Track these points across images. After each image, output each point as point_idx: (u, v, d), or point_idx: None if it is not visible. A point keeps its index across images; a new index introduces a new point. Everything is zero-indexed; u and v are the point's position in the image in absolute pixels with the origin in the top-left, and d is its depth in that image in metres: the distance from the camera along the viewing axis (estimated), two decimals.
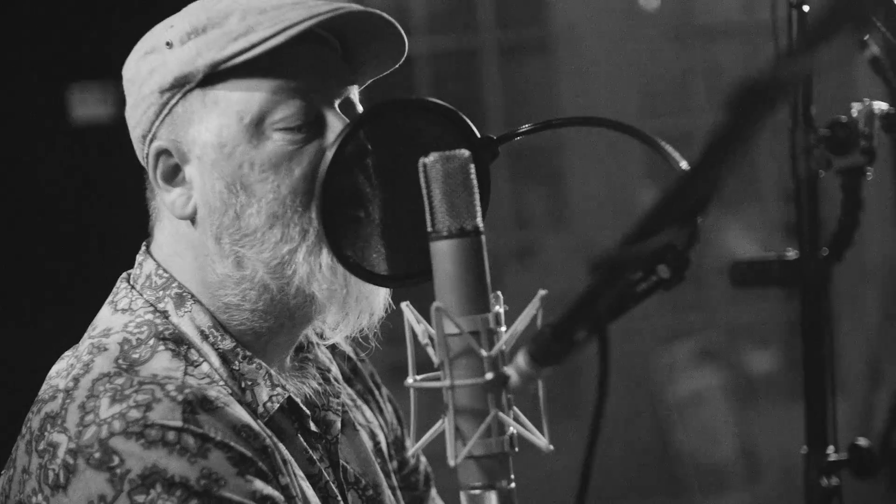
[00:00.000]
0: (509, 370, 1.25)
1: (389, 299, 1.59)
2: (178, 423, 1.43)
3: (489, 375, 1.28)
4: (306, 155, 1.53)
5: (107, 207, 3.70)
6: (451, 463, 1.30)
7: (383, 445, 1.75)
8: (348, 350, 1.78)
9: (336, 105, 1.56)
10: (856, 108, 1.88)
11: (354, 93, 1.59)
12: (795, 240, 2.01)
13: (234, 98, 1.53)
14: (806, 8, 1.94)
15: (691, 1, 4.88)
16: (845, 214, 2.02)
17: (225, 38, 1.53)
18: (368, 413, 1.76)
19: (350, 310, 1.56)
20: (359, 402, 1.76)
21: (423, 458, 1.86)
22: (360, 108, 1.58)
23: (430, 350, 1.35)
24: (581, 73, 4.62)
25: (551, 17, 4.67)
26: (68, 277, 3.61)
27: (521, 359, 1.23)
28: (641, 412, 4.48)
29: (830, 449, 1.82)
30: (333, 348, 1.76)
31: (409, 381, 1.36)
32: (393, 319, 1.62)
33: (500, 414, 1.32)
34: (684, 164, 1.34)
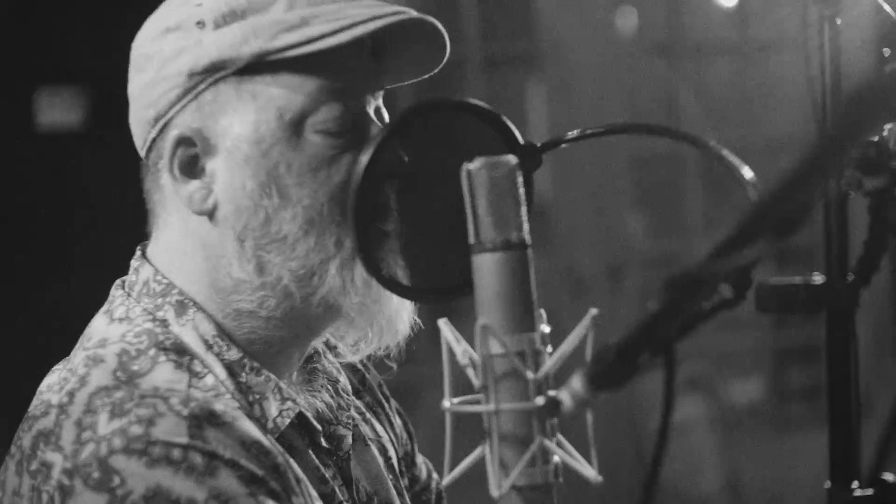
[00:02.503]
0: (562, 394, 1.20)
1: (415, 317, 1.54)
2: (184, 440, 1.37)
3: (540, 400, 1.22)
4: (345, 162, 1.47)
5: (74, 218, 3.64)
6: (495, 494, 1.25)
7: (394, 461, 1.70)
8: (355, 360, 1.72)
9: (372, 110, 1.51)
10: (887, 128, 1.85)
11: (381, 98, 1.55)
12: (814, 264, 1.99)
13: (275, 93, 1.47)
14: (839, 20, 1.92)
15: (680, 17, 4.87)
16: (872, 238, 1.99)
17: (276, 26, 1.46)
18: (378, 427, 1.71)
19: (376, 327, 1.52)
20: (368, 415, 1.70)
21: (434, 476, 1.81)
22: (386, 114, 1.53)
23: (469, 371, 1.30)
24: (567, 88, 4.60)
25: (537, 30, 4.65)
26: (35, 289, 3.54)
27: (576, 382, 1.17)
28: (624, 442, 4.45)
29: (855, 484, 1.78)
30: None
31: (446, 404, 1.30)
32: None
33: (546, 441, 1.27)
34: (749, 174, 1.29)
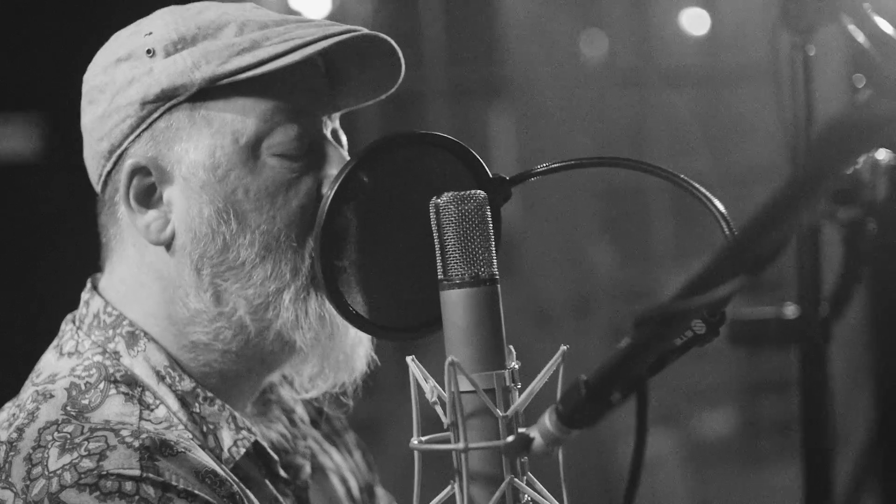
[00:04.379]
0: (532, 432, 1.20)
1: (373, 353, 1.54)
2: (136, 472, 1.36)
3: (510, 438, 1.22)
4: (304, 186, 1.47)
5: (27, 249, 3.62)
6: None
7: (355, 491, 1.69)
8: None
9: (329, 132, 1.51)
10: (861, 159, 1.86)
11: (337, 120, 1.55)
12: (785, 292, 2.00)
13: (229, 117, 1.47)
14: (812, 51, 1.94)
15: (648, 45, 4.90)
16: (846, 269, 2.00)
17: (227, 51, 1.47)
18: (337, 456, 1.70)
19: (331, 363, 1.51)
20: (326, 445, 1.70)
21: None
22: (343, 137, 1.54)
23: (438, 409, 1.30)
24: (532, 117, 4.61)
25: (503, 58, 4.66)
26: None
27: (547, 420, 1.18)
28: (591, 479, 4.45)
29: None
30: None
31: (415, 442, 1.30)
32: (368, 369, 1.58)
33: (516, 480, 1.27)
34: (721, 208, 1.30)
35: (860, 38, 1.76)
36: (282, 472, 1.54)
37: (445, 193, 1.31)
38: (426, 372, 1.32)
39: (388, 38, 1.49)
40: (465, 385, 1.27)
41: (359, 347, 1.52)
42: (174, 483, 1.37)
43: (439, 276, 1.32)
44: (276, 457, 1.54)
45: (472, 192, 1.32)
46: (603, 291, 4.71)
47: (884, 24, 1.75)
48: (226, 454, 1.48)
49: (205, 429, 1.49)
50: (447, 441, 1.29)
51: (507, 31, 4.67)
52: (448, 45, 4.64)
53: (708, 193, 1.31)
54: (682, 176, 1.35)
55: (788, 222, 0.94)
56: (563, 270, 4.62)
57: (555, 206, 4.56)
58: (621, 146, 4.81)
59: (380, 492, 1.77)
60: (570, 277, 4.62)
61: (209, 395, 1.50)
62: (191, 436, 1.46)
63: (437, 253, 1.32)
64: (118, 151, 1.50)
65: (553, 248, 4.61)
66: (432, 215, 1.32)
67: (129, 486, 1.36)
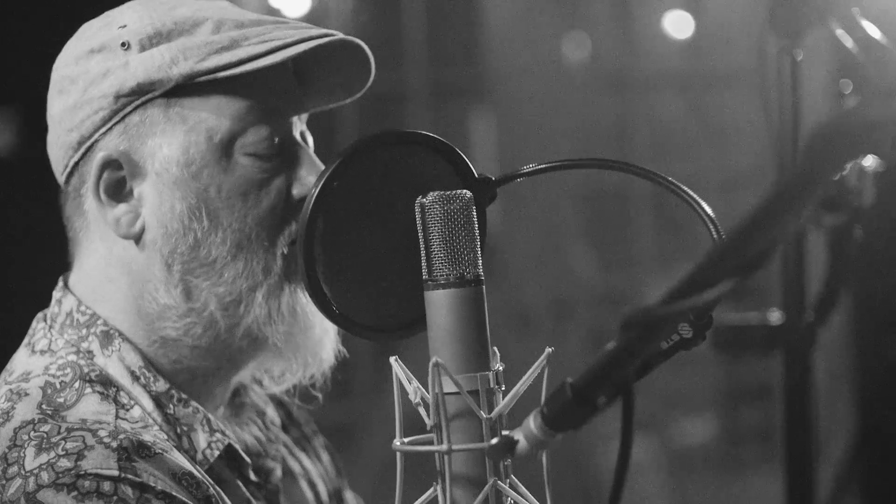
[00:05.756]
0: (517, 435, 1.20)
1: (341, 346, 1.55)
2: (115, 472, 1.37)
3: (494, 441, 1.22)
4: (274, 186, 1.49)
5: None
6: None
7: (323, 496, 1.70)
8: (282, 395, 1.72)
9: (298, 134, 1.53)
10: (847, 165, 1.87)
11: (304, 121, 1.56)
12: (769, 297, 2.01)
13: (204, 115, 1.48)
14: (800, 56, 1.95)
15: (632, 47, 4.91)
16: (831, 275, 2.01)
17: (205, 48, 1.48)
18: (306, 461, 1.71)
19: (301, 357, 1.53)
20: (295, 449, 1.71)
21: None
22: (310, 138, 1.55)
23: (421, 410, 1.30)
24: (514, 119, 4.61)
25: (484, 59, 4.67)
26: None
27: (532, 423, 1.18)
28: (568, 480, 4.45)
29: None
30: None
31: (397, 443, 1.30)
32: (341, 371, 1.59)
33: (500, 483, 1.27)
34: (709, 210, 1.31)
35: (848, 42, 1.77)
36: (253, 476, 1.55)
37: (431, 193, 1.32)
38: (409, 373, 1.32)
39: (363, 45, 1.51)
40: (448, 386, 1.27)
41: (325, 339, 1.54)
42: (152, 484, 1.38)
43: (424, 277, 1.32)
44: (248, 460, 1.54)
45: (458, 191, 1.32)
46: (583, 295, 4.72)
47: (872, 29, 1.76)
48: (200, 456, 1.49)
49: (179, 430, 1.49)
50: (430, 443, 1.29)
51: (489, 32, 4.67)
52: (429, 45, 4.64)
53: (696, 197, 1.32)
54: (670, 179, 1.36)
55: (777, 228, 0.94)
56: (542, 274, 4.63)
57: (535, 209, 4.56)
58: (603, 149, 4.81)
59: (348, 496, 1.77)
60: (550, 281, 4.63)
61: (183, 396, 1.51)
62: (166, 437, 1.47)
63: (422, 253, 1.32)
64: (88, 143, 1.50)
65: (533, 251, 4.62)
66: (417, 215, 1.32)
67: (107, 486, 1.36)
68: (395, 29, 4.63)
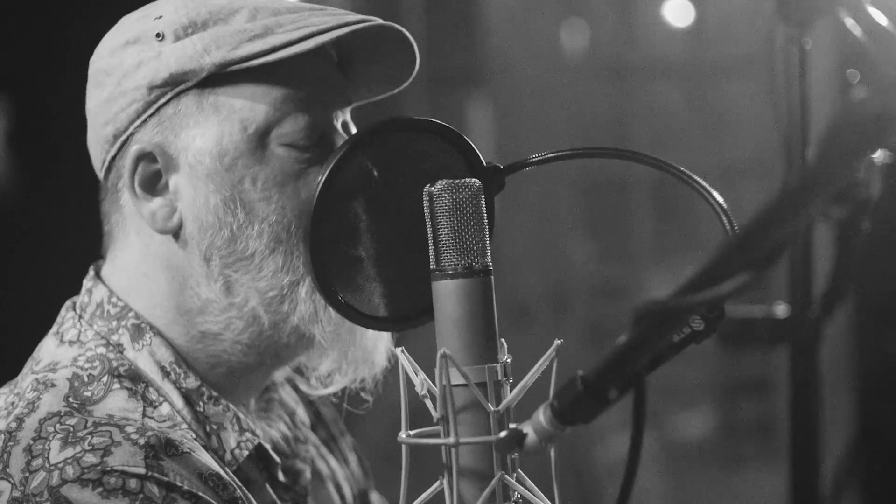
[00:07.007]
0: (525, 428, 1.19)
1: (392, 348, 1.51)
2: (141, 470, 1.35)
3: (502, 434, 1.21)
4: (312, 177, 1.45)
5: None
6: None
7: (349, 499, 1.69)
8: (311, 393, 1.70)
9: (339, 125, 1.50)
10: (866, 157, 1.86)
11: (348, 112, 1.53)
12: (776, 294, 2.00)
13: (238, 104, 1.45)
14: (808, 45, 1.94)
15: (632, 35, 4.89)
16: (838, 268, 2.00)
17: (238, 36, 1.45)
18: (333, 462, 1.69)
19: (351, 358, 1.49)
20: (322, 450, 1.69)
21: None
22: (353, 128, 1.52)
23: (427, 402, 1.29)
24: (513, 107, 4.61)
25: (483, 47, 4.66)
26: None
27: (541, 416, 1.17)
28: (568, 476, 4.45)
29: None
30: (296, 389, 1.68)
31: (403, 436, 1.29)
32: None
33: (507, 477, 1.27)
34: (721, 199, 1.30)
35: (857, 32, 1.76)
36: (281, 477, 1.53)
37: (439, 181, 1.31)
38: (416, 365, 1.31)
39: (403, 30, 1.49)
40: (455, 378, 1.26)
41: (380, 343, 1.51)
42: (178, 483, 1.36)
43: (431, 266, 1.31)
44: (278, 460, 1.53)
45: (468, 180, 1.31)
46: (581, 286, 4.71)
47: (881, 19, 1.75)
48: (228, 456, 1.47)
49: (208, 428, 1.47)
50: (436, 435, 1.28)
51: (488, 19, 4.66)
52: (427, 33, 4.63)
53: (708, 186, 1.31)
54: (682, 168, 1.35)
55: (793, 221, 0.93)
56: (540, 265, 4.62)
57: (533, 200, 4.55)
58: (603, 138, 4.80)
59: (375, 498, 1.76)
60: (548, 272, 4.62)
61: (214, 394, 1.49)
62: (194, 435, 1.45)
63: (430, 242, 1.31)
64: (123, 136, 1.48)
65: (531, 242, 4.61)
66: (426, 204, 1.31)
67: (133, 483, 1.34)
68: (393, 16, 4.61)
